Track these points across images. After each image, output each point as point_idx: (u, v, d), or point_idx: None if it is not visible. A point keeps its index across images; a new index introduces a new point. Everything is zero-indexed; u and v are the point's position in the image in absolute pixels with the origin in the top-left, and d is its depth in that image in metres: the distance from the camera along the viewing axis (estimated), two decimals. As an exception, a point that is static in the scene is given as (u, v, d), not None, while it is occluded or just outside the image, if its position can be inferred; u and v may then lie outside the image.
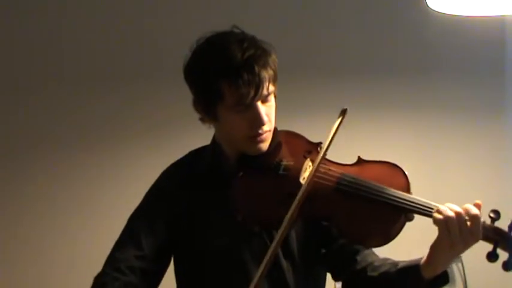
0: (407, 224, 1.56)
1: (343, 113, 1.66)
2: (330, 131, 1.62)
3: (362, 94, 2.94)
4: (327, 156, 1.63)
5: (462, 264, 2.72)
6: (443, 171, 2.97)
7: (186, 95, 2.68)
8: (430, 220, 1.52)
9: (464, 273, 2.77)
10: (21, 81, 2.91)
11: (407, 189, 1.58)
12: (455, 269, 2.78)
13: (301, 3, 2.98)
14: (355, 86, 2.95)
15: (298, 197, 1.52)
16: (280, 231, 1.50)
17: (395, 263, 1.64)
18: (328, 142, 1.61)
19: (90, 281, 2.76)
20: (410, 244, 1.89)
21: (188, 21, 2.88)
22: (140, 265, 1.66)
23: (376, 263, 1.67)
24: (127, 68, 2.91)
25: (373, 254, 1.72)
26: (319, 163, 1.58)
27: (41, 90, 2.89)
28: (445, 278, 1.58)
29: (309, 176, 1.57)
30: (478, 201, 1.52)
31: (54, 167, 2.90)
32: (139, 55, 2.92)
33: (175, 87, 2.88)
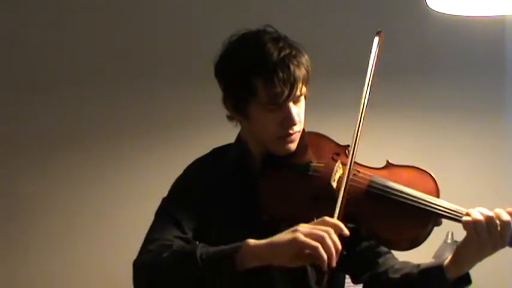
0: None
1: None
2: (354, 133, 1.62)
3: (360, 94, 2.94)
4: (356, 160, 1.64)
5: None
6: (443, 171, 2.93)
7: (187, 96, 2.69)
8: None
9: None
10: (21, 82, 2.91)
11: (437, 194, 1.60)
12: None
13: (301, 3, 2.98)
14: (355, 86, 2.94)
15: (339, 199, 1.52)
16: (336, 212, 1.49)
17: (416, 265, 1.64)
18: (356, 141, 1.61)
19: (91, 279, 2.77)
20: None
21: (189, 22, 2.89)
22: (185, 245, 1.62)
23: (396, 266, 1.67)
24: (128, 68, 2.91)
25: (394, 257, 1.72)
26: (351, 166, 1.59)
27: (41, 91, 2.89)
28: (467, 278, 1.59)
29: (346, 178, 1.56)
30: (510, 209, 1.53)
31: (55, 167, 2.91)
32: (140, 55, 2.92)
33: (177, 88, 2.93)
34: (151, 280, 1.55)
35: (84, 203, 2.91)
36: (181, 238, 1.63)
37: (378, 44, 1.70)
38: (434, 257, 2.53)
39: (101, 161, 2.91)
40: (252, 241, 1.46)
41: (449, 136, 3.02)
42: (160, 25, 2.92)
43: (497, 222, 1.49)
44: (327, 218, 1.46)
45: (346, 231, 1.44)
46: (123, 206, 2.90)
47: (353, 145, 1.61)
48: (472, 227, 1.49)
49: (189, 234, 1.66)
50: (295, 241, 1.41)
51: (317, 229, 1.42)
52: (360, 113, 1.66)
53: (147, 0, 2.95)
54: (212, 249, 1.51)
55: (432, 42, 2.98)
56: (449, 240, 2.57)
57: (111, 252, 2.86)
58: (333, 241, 1.41)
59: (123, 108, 2.92)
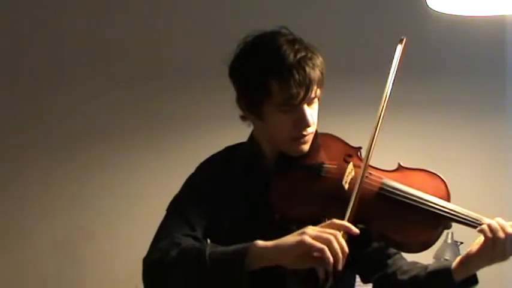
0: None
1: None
2: (371, 137, 1.64)
3: (361, 94, 2.94)
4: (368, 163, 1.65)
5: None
6: (443, 171, 2.95)
7: (188, 96, 2.69)
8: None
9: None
10: (21, 81, 2.91)
11: (448, 198, 1.62)
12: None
13: (301, 3, 2.98)
14: (355, 86, 2.95)
15: (352, 201, 1.53)
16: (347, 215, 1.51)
17: (424, 267, 1.67)
18: (372, 144, 1.63)
19: (92, 279, 2.77)
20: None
21: (191, 22, 2.89)
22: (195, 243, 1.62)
23: (405, 267, 1.69)
24: (128, 68, 2.91)
25: (403, 258, 1.74)
26: (366, 168, 1.60)
27: (41, 90, 2.89)
28: (474, 279, 1.61)
29: (359, 180, 1.58)
30: None
31: (55, 167, 2.90)
32: (140, 55, 2.92)
33: (177, 88, 2.93)
34: (160, 278, 1.55)
35: (84, 203, 2.90)
36: (190, 236, 1.63)
37: (401, 51, 1.75)
38: (435, 257, 2.53)
39: (101, 161, 2.91)
40: (260, 242, 1.47)
41: (449, 136, 3.02)
42: (161, 25, 2.92)
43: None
44: (336, 221, 1.47)
45: (356, 230, 1.46)
46: (124, 205, 2.90)
47: (369, 148, 1.62)
48: (491, 241, 1.53)
49: (199, 232, 1.66)
50: (301, 243, 1.42)
51: (325, 232, 1.43)
52: (379, 117, 1.68)
53: (149, 2, 2.95)
54: (221, 249, 1.52)
55: (432, 42, 2.98)
56: (449, 240, 2.57)
57: (112, 252, 2.86)
58: (340, 244, 1.42)
59: (123, 108, 2.92)
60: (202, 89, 2.84)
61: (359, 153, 1.71)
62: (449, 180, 3.04)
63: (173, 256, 1.53)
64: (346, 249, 1.43)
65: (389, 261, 1.71)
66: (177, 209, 1.71)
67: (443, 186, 1.65)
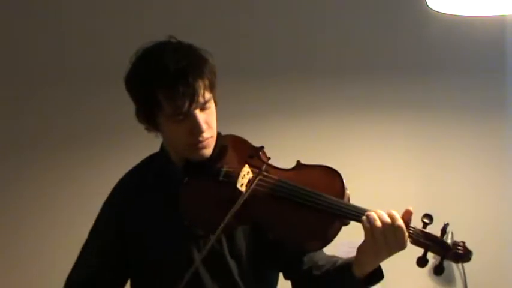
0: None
1: None
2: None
3: (362, 94, 2.94)
4: (269, 161, 1.67)
5: (462, 264, 2.72)
6: (444, 171, 2.97)
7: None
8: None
9: (464, 273, 2.77)
10: (22, 81, 2.91)
11: (342, 194, 1.60)
12: (455, 269, 2.79)
13: (301, 3, 2.98)
14: (355, 86, 2.95)
15: (236, 204, 1.56)
16: (213, 238, 1.56)
17: (335, 261, 1.69)
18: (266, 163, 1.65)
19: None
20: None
21: (190, 21, 2.89)
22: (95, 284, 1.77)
23: (320, 262, 1.72)
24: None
25: (320, 252, 1.75)
26: (258, 176, 1.62)
27: (40, 90, 2.89)
28: (379, 274, 1.61)
29: (248, 185, 1.61)
30: (409, 208, 1.56)
31: (54, 166, 2.90)
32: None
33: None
34: None
35: (85, 203, 2.90)
36: (91, 267, 1.82)
37: None
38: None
39: (101, 160, 2.91)
40: None
41: (449, 136, 3.02)
42: (159, 24, 2.91)
43: (392, 226, 1.52)
44: None
45: None
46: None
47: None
48: (368, 230, 1.53)
49: (105, 261, 1.80)
50: None
51: None
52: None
53: (148, 0, 2.95)
54: None
55: (432, 42, 2.98)
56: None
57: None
58: None
59: (123, 107, 2.90)
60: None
61: (261, 153, 1.71)
62: (449, 180, 3.05)
63: None
64: None
65: (305, 258, 1.73)
66: (87, 240, 1.91)
67: (338, 182, 1.61)
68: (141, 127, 2.88)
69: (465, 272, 2.77)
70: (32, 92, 2.89)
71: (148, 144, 2.91)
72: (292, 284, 1.80)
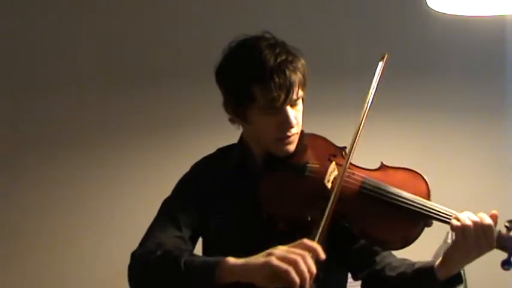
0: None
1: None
2: (355, 131, 1.68)
3: (362, 94, 2.94)
4: (351, 161, 1.68)
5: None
6: (444, 171, 2.97)
7: (189, 96, 2.68)
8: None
9: (464, 273, 2.77)
10: (22, 83, 2.91)
11: (428, 196, 1.64)
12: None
13: (301, 3, 2.98)
14: (355, 86, 2.94)
15: (331, 199, 1.56)
16: (318, 232, 1.51)
17: (412, 264, 1.69)
18: (353, 145, 1.66)
19: (93, 279, 2.76)
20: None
21: (192, 23, 2.90)
22: (179, 244, 1.68)
23: (394, 264, 1.71)
24: (129, 69, 2.91)
25: (392, 255, 1.76)
26: (346, 167, 1.63)
27: (42, 92, 2.89)
28: (458, 278, 1.62)
29: (338, 179, 1.60)
30: (494, 212, 1.58)
31: (56, 168, 2.90)
32: (141, 56, 2.92)
33: (178, 89, 2.93)
34: (140, 275, 1.62)
35: (86, 203, 2.91)
36: (177, 237, 1.69)
37: (382, 67, 1.80)
38: (434, 256, 2.53)
39: (103, 162, 2.91)
40: (231, 259, 1.49)
41: (449, 136, 3.03)
42: (162, 26, 2.92)
43: (482, 226, 1.55)
44: (305, 241, 1.47)
45: (323, 256, 1.45)
46: (125, 206, 2.90)
47: (350, 148, 1.65)
48: (460, 230, 1.55)
49: (186, 233, 1.72)
50: (267, 264, 1.43)
51: (292, 252, 1.44)
52: (361, 121, 1.71)
53: (149, 2, 2.95)
54: (197, 258, 1.57)
55: (432, 42, 2.98)
56: (449, 240, 2.58)
57: (112, 252, 2.86)
58: (307, 265, 1.42)
59: (124, 109, 2.92)
60: (203, 90, 2.82)
61: (344, 153, 1.74)
62: (449, 180, 3.06)
63: (155, 257, 1.59)
64: (314, 270, 1.43)
65: (378, 258, 1.73)
66: (167, 209, 1.77)
67: (423, 185, 1.66)
68: (143, 129, 2.92)
69: (465, 272, 2.77)
70: (34, 94, 2.89)
71: (149, 144, 2.93)
72: (363, 285, 1.79)
